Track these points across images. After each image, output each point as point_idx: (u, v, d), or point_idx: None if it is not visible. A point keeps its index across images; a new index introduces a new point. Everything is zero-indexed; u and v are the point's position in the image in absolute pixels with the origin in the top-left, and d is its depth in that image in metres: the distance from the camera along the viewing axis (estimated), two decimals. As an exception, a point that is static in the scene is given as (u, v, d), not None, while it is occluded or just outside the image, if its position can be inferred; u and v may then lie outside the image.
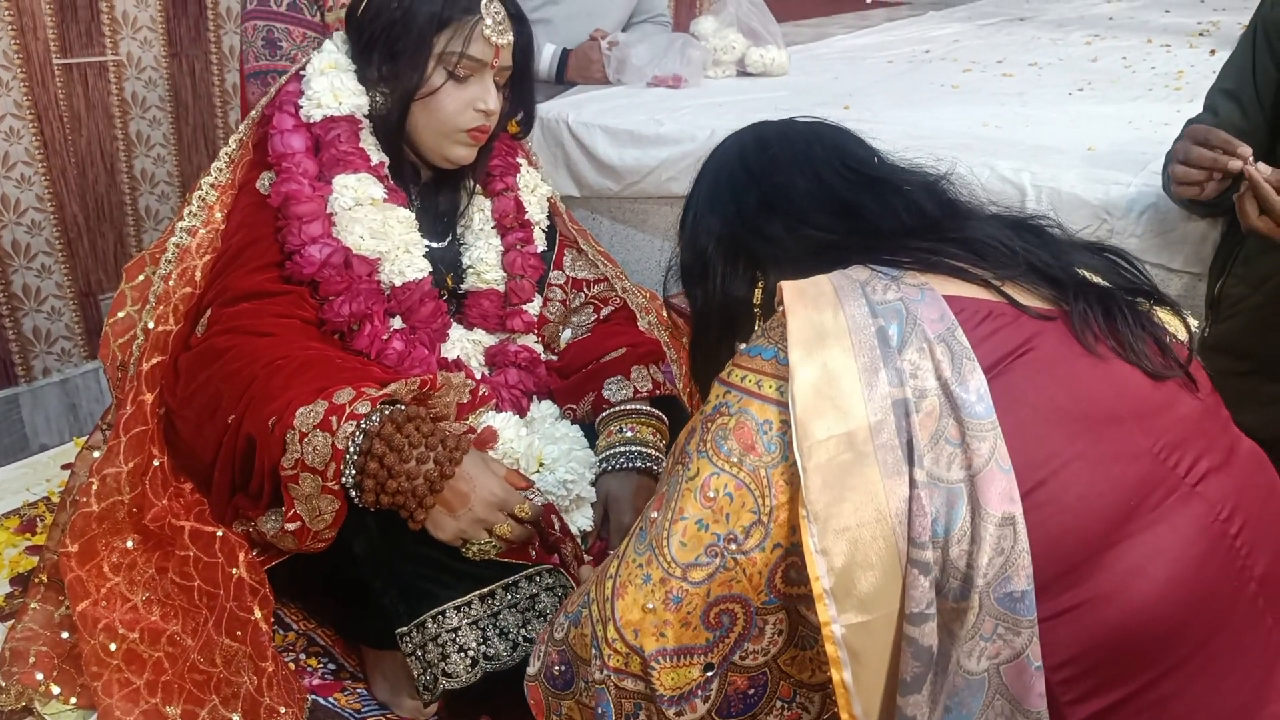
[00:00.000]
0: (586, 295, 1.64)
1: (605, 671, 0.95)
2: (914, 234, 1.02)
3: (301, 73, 1.43)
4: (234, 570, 1.23)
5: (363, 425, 1.17)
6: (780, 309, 0.94)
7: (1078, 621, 0.87)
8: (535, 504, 1.27)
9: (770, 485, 0.90)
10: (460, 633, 1.21)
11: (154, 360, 1.33)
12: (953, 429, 0.88)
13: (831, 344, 0.91)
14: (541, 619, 1.23)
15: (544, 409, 1.49)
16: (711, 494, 0.91)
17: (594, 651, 0.95)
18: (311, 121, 1.39)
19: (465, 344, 1.48)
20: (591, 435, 1.50)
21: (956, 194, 1.11)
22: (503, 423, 1.39)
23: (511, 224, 1.55)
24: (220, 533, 1.25)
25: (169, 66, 2.89)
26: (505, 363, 1.50)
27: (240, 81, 2.18)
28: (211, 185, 1.42)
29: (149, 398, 1.32)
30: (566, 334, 1.60)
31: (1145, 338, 0.97)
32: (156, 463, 1.30)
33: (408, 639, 1.22)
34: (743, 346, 0.97)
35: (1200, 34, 3.35)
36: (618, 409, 1.49)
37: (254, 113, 1.46)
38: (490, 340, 1.53)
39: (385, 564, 1.23)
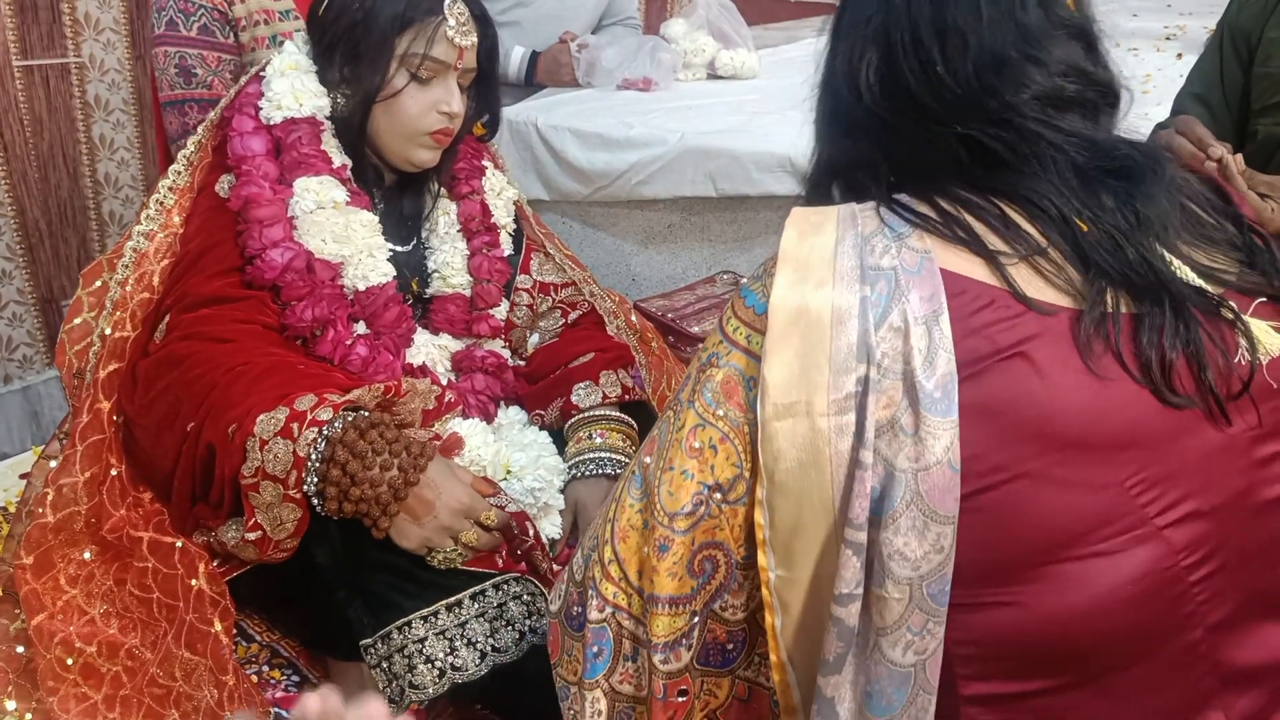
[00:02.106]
0: (554, 300, 1.63)
1: (608, 609, 0.95)
2: (959, 175, 0.93)
3: (262, 74, 1.41)
4: (194, 582, 1.20)
5: (325, 432, 1.15)
6: (772, 258, 0.91)
7: (988, 615, 0.86)
8: (503, 511, 1.26)
9: (751, 440, 0.89)
10: (427, 644, 1.19)
11: (111, 367, 1.30)
12: (908, 418, 0.84)
13: (811, 305, 0.87)
14: (510, 628, 1.22)
15: (511, 415, 1.47)
16: (697, 445, 0.91)
17: (593, 591, 0.95)
18: (272, 124, 1.37)
19: (431, 349, 1.46)
20: (561, 441, 1.49)
21: (1038, 132, 0.92)
22: (469, 430, 1.38)
23: (477, 228, 1.53)
24: (180, 544, 1.23)
25: (133, 69, 2.86)
26: (472, 368, 1.48)
27: (155, 108, 2.14)
28: (169, 188, 1.40)
29: (105, 405, 1.29)
30: (534, 339, 1.58)
31: (1179, 356, 0.87)
32: (114, 472, 1.28)
33: (373, 650, 1.21)
34: (744, 282, 0.95)
35: (1167, 38, 3.38)
36: (587, 414, 1.48)
37: (213, 114, 1.44)
38: (457, 345, 1.51)
39: (349, 574, 1.21)
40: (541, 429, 1.50)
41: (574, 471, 1.43)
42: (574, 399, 1.49)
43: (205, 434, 1.20)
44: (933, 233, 0.90)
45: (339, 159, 1.39)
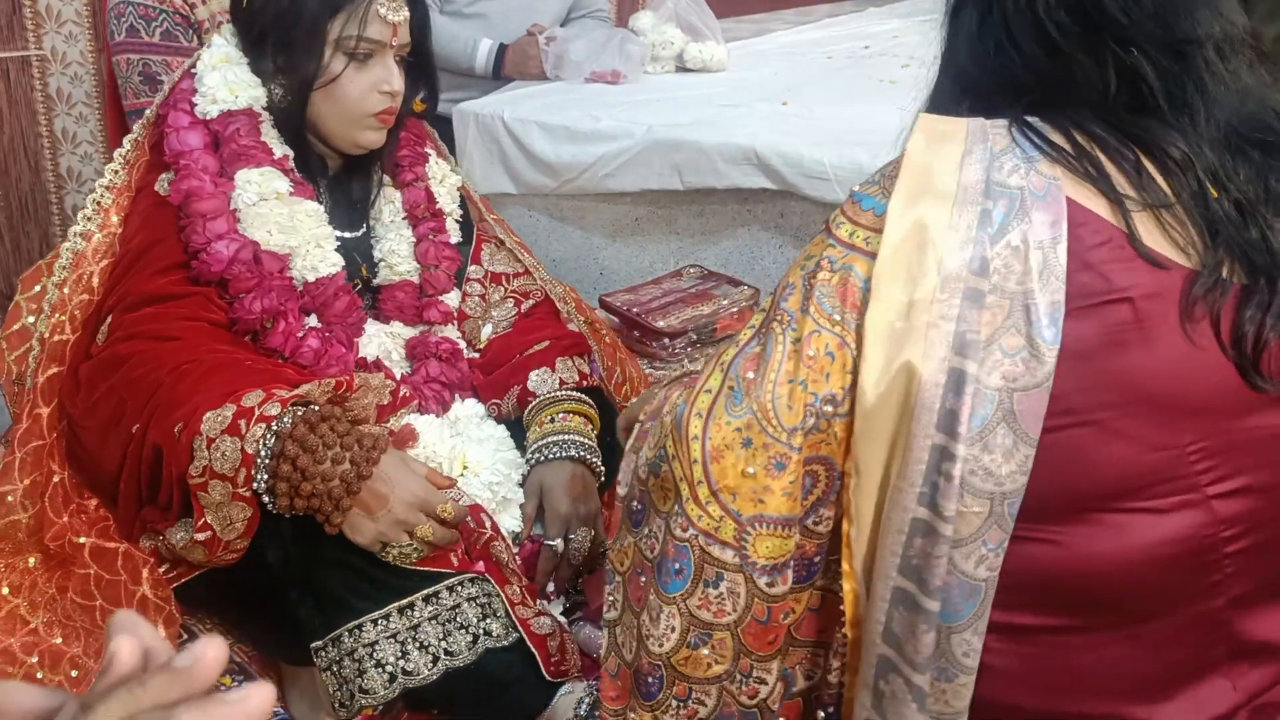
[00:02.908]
0: (506, 289, 1.61)
1: (691, 531, 0.91)
2: (1102, 109, 0.91)
3: (193, 70, 1.39)
4: (137, 588, 1.19)
5: (274, 427, 1.13)
6: (900, 154, 0.90)
7: (1026, 549, 0.88)
8: (459, 505, 1.24)
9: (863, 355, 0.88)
10: (377, 647, 1.17)
11: (51, 371, 1.28)
12: (1012, 339, 0.85)
13: (931, 210, 0.87)
14: (464, 630, 1.20)
15: (468, 408, 1.45)
16: (812, 353, 0.88)
17: (676, 509, 0.92)
18: (208, 118, 1.35)
19: (383, 338, 1.45)
20: (520, 433, 1.47)
21: (1203, 78, 0.91)
22: (424, 425, 1.36)
23: (423, 214, 1.51)
24: (123, 548, 1.21)
25: (95, 62, 2.82)
26: (425, 354, 1.46)
27: (111, 114, 2.10)
28: (106, 188, 1.38)
29: (45, 411, 1.27)
30: (487, 329, 1.57)
31: (1276, 339, 0.88)
32: (56, 479, 1.25)
33: (323, 653, 1.19)
34: (856, 189, 0.93)
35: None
36: (545, 398, 1.46)
37: (149, 112, 1.41)
38: (409, 333, 1.49)
39: (301, 573, 1.20)
40: (499, 420, 1.48)
41: (536, 456, 1.40)
42: (530, 385, 1.47)
43: (151, 434, 1.17)
44: (1062, 163, 0.89)
45: (280, 149, 1.37)
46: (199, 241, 1.30)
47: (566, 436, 1.42)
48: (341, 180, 1.47)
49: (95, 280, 1.33)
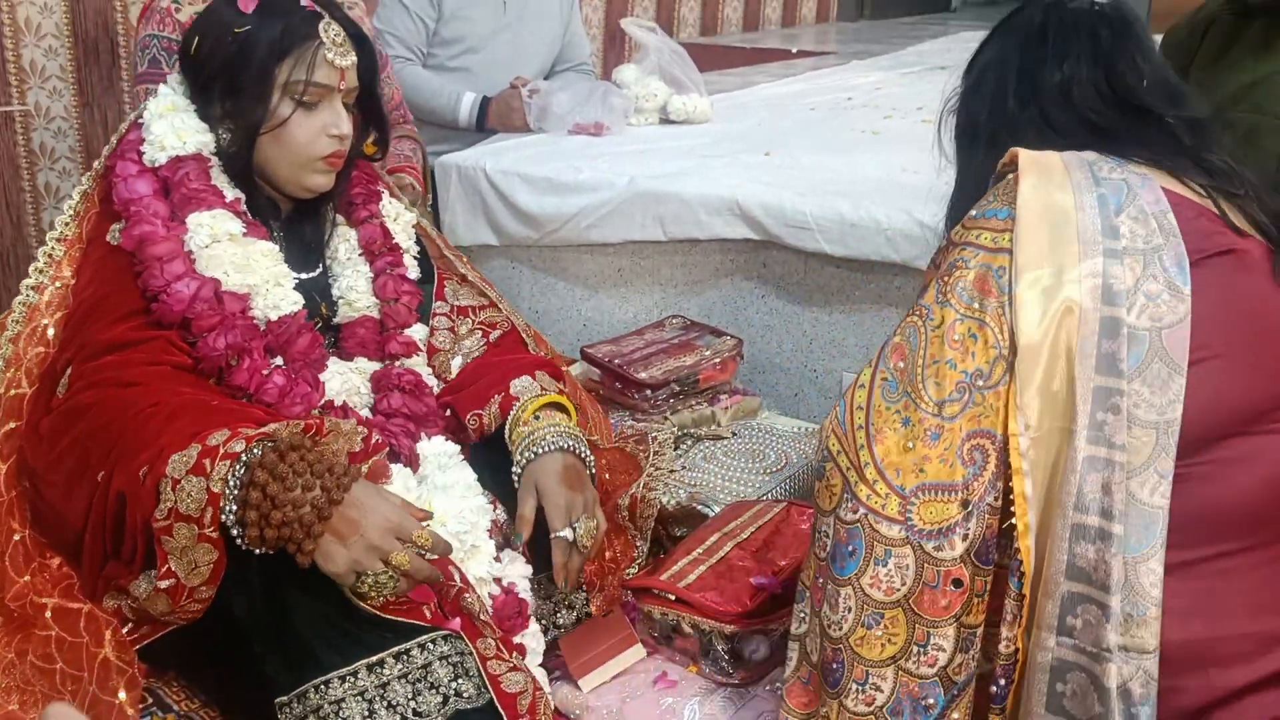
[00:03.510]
0: (474, 321, 1.60)
1: (861, 511, 1.06)
2: (1153, 148, 1.15)
3: (139, 120, 1.38)
4: (100, 650, 1.15)
5: (243, 458, 1.11)
6: (1011, 175, 1.09)
7: (1180, 483, 1.02)
8: (438, 535, 1.20)
9: (1006, 322, 1.05)
10: (344, 705, 1.13)
11: (9, 426, 1.25)
12: (1152, 285, 1.04)
13: (1057, 199, 1.07)
14: (434, 690, 1.16)
15: (435, 445, 1.42)
16: (957, 337, 1.06)
17: (845, 496, 1.07)
18: (157, 165, 1.35)
19: (347, 375, 1.43)
20: (492, 455, 1.45)
21: (1217, 134, 1.21)
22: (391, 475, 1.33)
23: (380, 249, 1.51)
24: (86, 609, 1.18)
25: (80, 117, 2.82)
26: (388, 387, 1.44)
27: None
28: (58, 240, 1.37)
29: (3, 468, 1.24)
30: (457, 361, 1.55)
31: None
32: (17, 537, 1.22)
33: (288, 710, 1.15)
34: (973, 211, 1.11)
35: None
36: (529, 398, 1.45)
37: (97, 164, 1.41)
38: (374, 368, 1.48)
39: (268, 624, 1.16)
40: (479, 434, 1.46)
41: (525, 455, 1.39)
42: (513, 391, 1.45)
43: (116, 481, 1.15)
44: (1147, 165, 1.12)
45: (230, 193, 1.37)
46: (158, 284, 1.29)
47: (553, 428, 1.41)
48: (294, 222, 1.47)
49: (50, 333, 1.31)
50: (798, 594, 1.18)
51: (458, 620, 1.23)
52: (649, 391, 1.95)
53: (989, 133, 1.21)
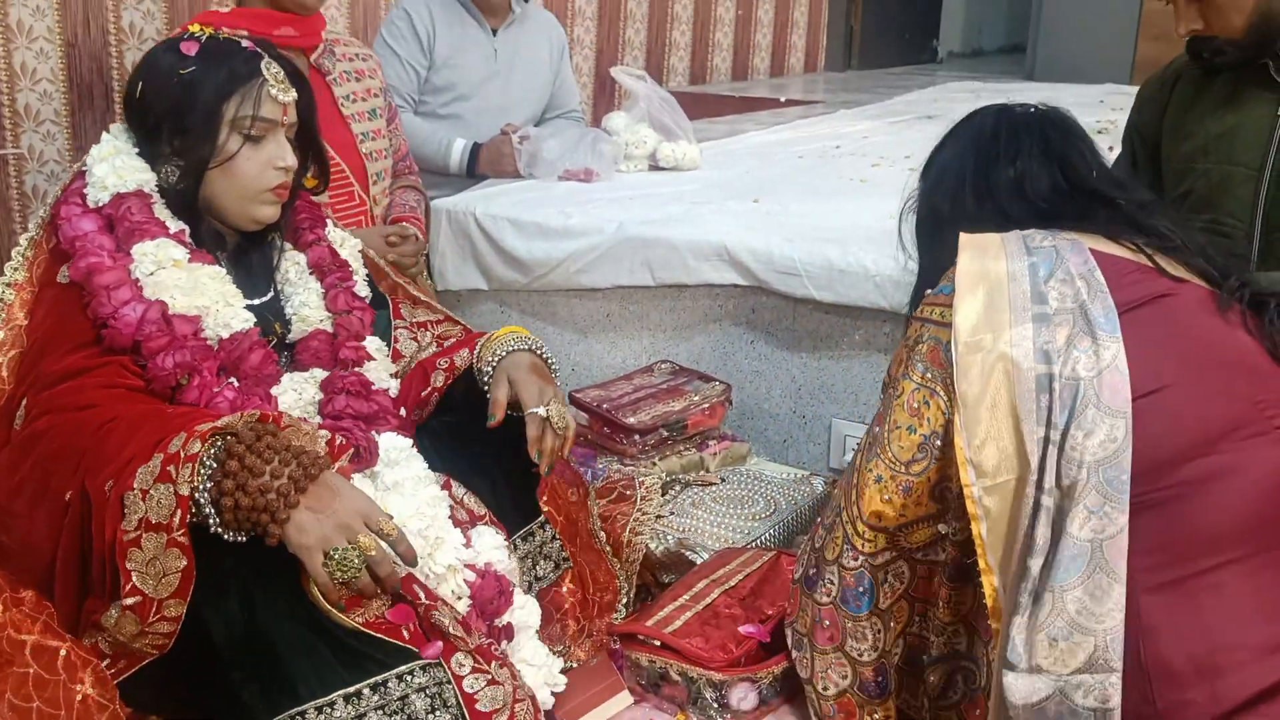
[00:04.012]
0: (432, 334, 1.68)
1: (861, 558, 1.26)
2: (1093, 221, 1.27)
3: (83, 169, 1.43)
4: (78, 687, 1.13)
5: (203, 458, 1.13)
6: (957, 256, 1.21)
7: (1159, 508, 1.11)
8: (404, 534, 1.23)
9: (953, 387, 1.16)
10: None
11: None
12: (1084, 339, 1.14)
13: (991, 273, 1.18)
14: None
15: (384, 441, 1.43)
16: (915, 405, 1.21)
17: (846, 547, 1.26)
18: (100, 205, 1.39)
19: (304, 387, 1.45)
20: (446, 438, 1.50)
21: (1162, 207, 1.34)
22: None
23: (329, 267, 1.57)
24: (65, 648, 1.16)
25: (73, 160, 2.83)
26: (335, 390, 1.46)
27: None
28: (7, 284, 1.40)
29: None
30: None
31: None
32: None
33: None
34: (929, 291, 1.26)
35: (1099, 131, 3.45)
36: (492, 332, 1.57)
37: (42, 212, 1.45)
38: (324, 374, 1.50)
39: (245, 651, 1.16)
40: (449, 378, 1.54)
41: (494, 358, 1.51)
42: (457, 360, 1.56)
43: (83, 498, 1.17)
44: (1077, 230, 1.24)
45: (174, 225, 1.41)
46: (106, 311, 1.32)
47: (515, 336, 1.54)
48: (242, 252, 1.51)
49: (4, 371, 1.34)
50: (795, 642, 1.36)
51: (438, 644, 1.22)
52: (637, 437, 1.95)
53: (950, 226, 1.30)
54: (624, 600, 1.62)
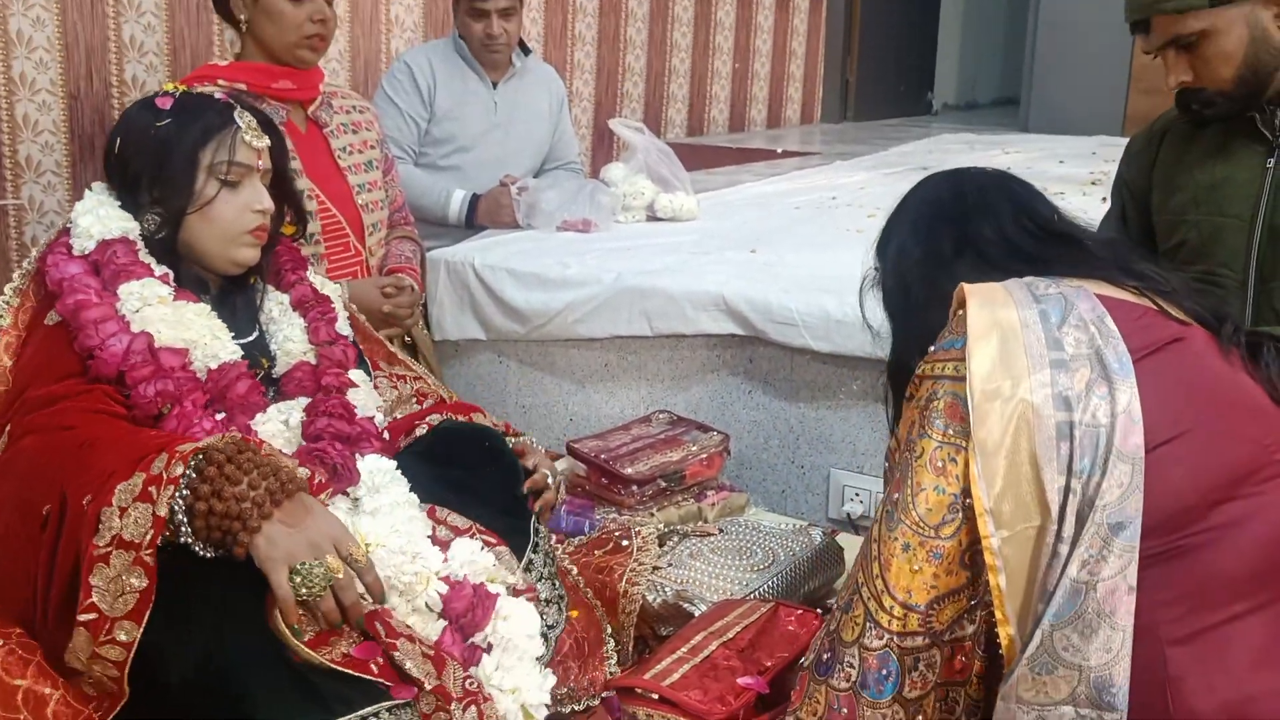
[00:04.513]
0: (413, 388, 1.72)
1: (886, 637, 1.16)
2: (1085, 266, 1.27)
3: (68, 225, 1.48)
4: None
5: (183, 481, 1.15)
6: (961, 310, 1.19)
7: (1184, 557, 1.11)
8: (374, 567, 1.24)
9: (975, 441, 1.13)
10: None
11: None
12: (1101, 385, 1.13)
13: (1002, 320, 1.16)
14: None
15: (368, 464, 1.43)
16: (939, 463, 1.16)
17: (868, 625, 1.17)
18: (86, 252, 1.43)
19: (290, 413, 1.46)
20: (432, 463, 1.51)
21: (1130, 248, 1.37)
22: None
23: (311, 303, 1.61)
24: (54, 700, 1.15)
25: (73, 211, 2.85)
26: (317, 413, 1.47)
27: None
28: None
29: None
30: (397, 414, 1.66)
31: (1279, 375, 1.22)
32: None
33: None
34: (932, 347, 1.22)
35: (1092, 183, 3.49)
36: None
37: (27, 263, 1.48)
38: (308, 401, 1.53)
39: (206, 693, 1.14)
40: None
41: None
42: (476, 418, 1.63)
43: (63, 514, 1.17)
44: (1078, 277, 1.23)
45: (159, 269, 1.46)
46: (92, 343, 1.35)
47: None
48: (226, 295, 1.55)
49: None
50: None
51: (406, 691, 1.20)
52: (635, 487, 1.94)
53: (927, 285, 1.31)
54: (613, 650, 1.60)
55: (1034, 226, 1.32)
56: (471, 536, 1.43)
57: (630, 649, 1.63)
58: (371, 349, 1.74)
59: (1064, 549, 1.11)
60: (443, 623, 1.31)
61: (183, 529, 1.15)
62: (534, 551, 1.52)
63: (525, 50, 2.93)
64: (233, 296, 1.56)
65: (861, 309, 1.46)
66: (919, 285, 1.33)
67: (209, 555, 1.17)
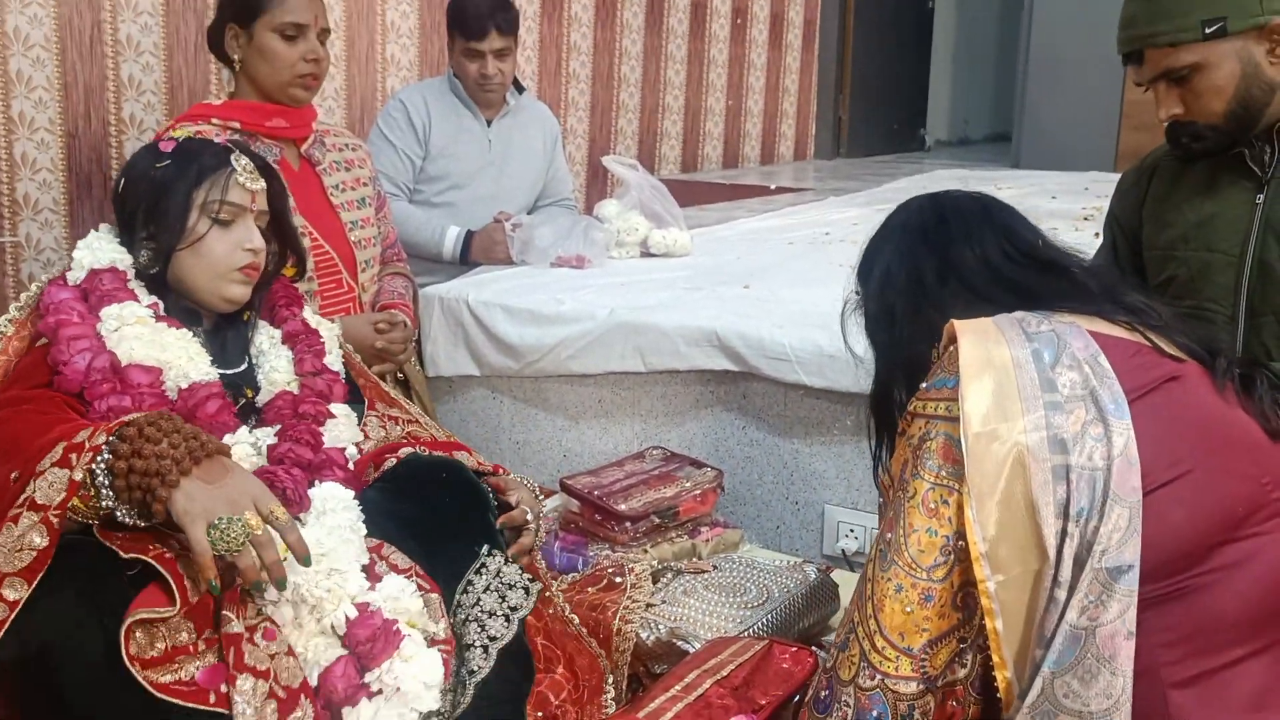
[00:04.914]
0: (404, 430, 1.72)
1: (878, 678, 1.14)
2: (1074, 298, 1.25)
3: (70, 267, 1.53)
4: None
5: (104, 450, 1.18)
6: (952, 346, 1.17)
7: (1185, 599, 1.10)
8: (296, 526, 1.24)
9: (968, 484, 1.11)
10: None
11: None
12: (1096, 427, 1.11)
13: (995, 364, 1.14)
14: None
15: (324, 490, 1.42)
16: (932, 505, 1.14)
17: (863, 665, 1.15)
18: (78, 283, 1.49)
19: (262, 438, 1.48)
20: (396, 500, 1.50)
21: (1117, 277, 1.36)
22: None
23: (300, 336, 1.64)
24: None
25: (69, 248, 2.84)
26: (285, 437, 1.49)
27: None
28: None
29: None
30: (390, 463, 1.62)
31: (1274, 408, 1.21)
32: None
33: None
34: (924, 384, 1.20)
35: (1085, 218, 3.51)
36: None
37: (26, 295, 1.53)
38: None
39: (36, 682, 1.14)
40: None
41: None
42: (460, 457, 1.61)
43: None
44: (1069, 312, 1.21)
45: (146, 299, 1.51)
46: (61, 358, 1.40)
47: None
48: (218, 329, 1.59)
49: None
50: None
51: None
52: (628, 524, 1.93)
53: (911, 312, 1.30)
54: (611, 687, 1.59)
55: (1019, 254, 1.31)
56: (409, 577, 1.39)
57: (625, 687, 1.62)
58: (368, 388, 1.75)
59: (1061, 594, 1.09)
60: (341, 651, 1.28)
61: (104, 491, 1.18)
62: (476, 574, 1.45)
63: (519, 88, 2.95)
64: (224, 331, 1.59)
65: (844, 334, 1.45)
66: (903, 314, 1.31)
67: (131, 522, 1.19)
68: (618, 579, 1.76)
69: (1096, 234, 3.13)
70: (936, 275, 1.30)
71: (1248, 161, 1.66)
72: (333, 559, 1.32)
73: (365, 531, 1.40)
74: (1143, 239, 1.81)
